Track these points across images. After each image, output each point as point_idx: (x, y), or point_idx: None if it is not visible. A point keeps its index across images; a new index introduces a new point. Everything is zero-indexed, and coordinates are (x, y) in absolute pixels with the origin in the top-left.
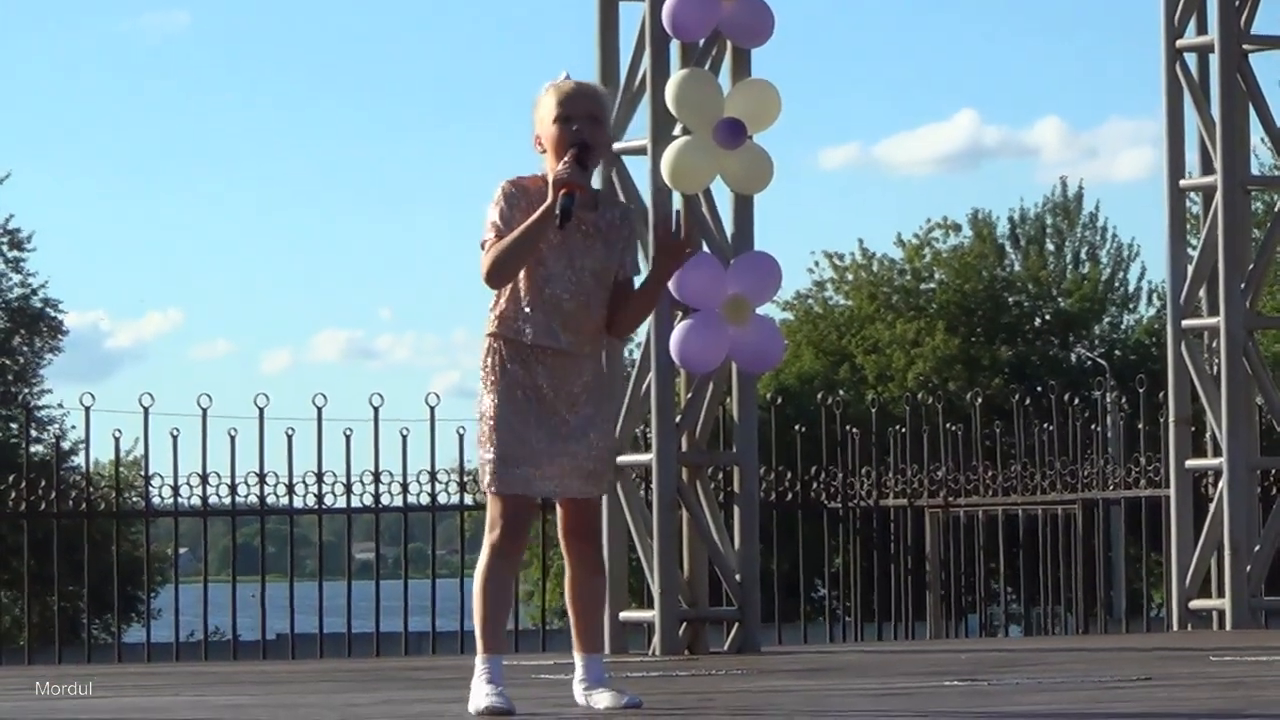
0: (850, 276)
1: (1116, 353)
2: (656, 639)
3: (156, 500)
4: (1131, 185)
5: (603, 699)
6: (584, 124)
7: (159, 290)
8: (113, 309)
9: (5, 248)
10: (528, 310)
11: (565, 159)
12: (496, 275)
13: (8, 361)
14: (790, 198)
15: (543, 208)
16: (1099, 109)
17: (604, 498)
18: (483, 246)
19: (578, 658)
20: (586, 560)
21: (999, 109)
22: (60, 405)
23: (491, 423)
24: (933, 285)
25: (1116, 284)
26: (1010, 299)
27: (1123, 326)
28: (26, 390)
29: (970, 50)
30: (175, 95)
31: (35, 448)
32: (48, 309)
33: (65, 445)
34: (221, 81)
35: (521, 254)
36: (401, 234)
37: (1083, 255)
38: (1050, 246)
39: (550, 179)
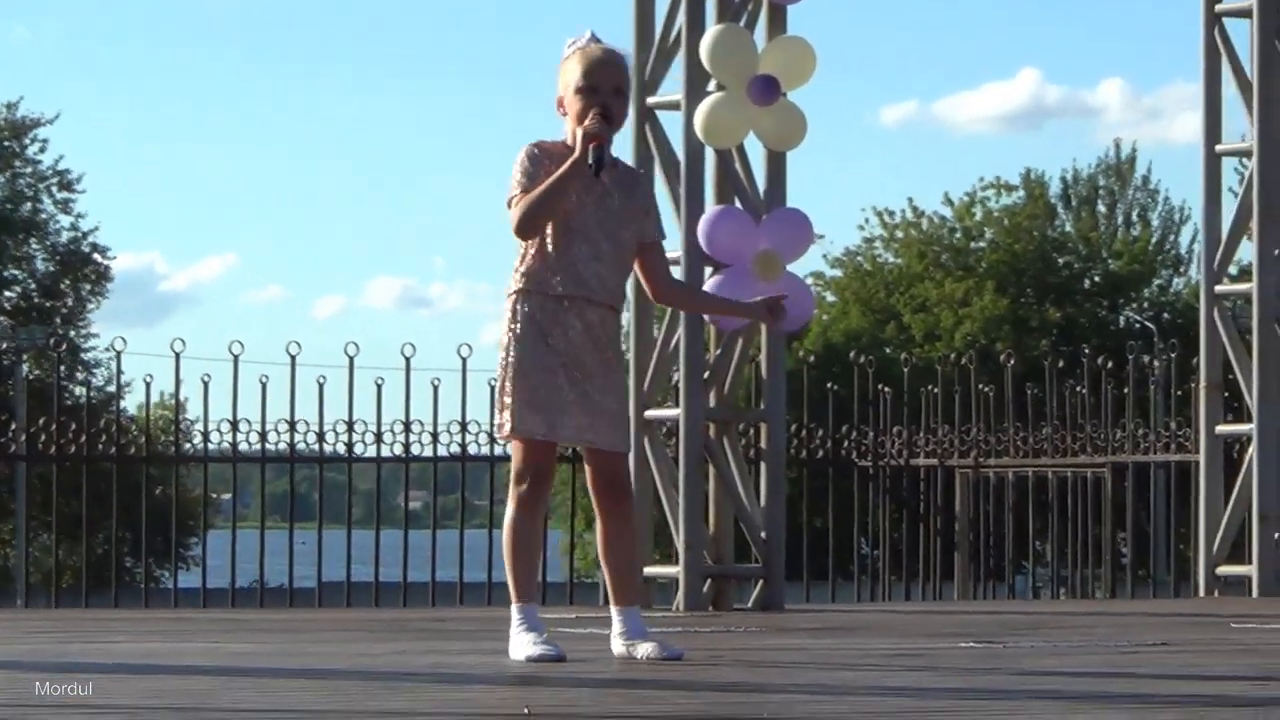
0: (900, 234)
1: (1165, 316)
2: (681, 594)
3: (188, 446)
4: (1190, 148)
5: (645, 649)
6: (608, 97)
7: (215, 234)
8: (168, 252)
9: (54, 189)
10: (556, 263)
11: (591, 115)
12: (527, 225)
13: (56, 304)
14: (850, 155)
15: (570, 160)
16: (1162, 71)
17: (630, 455)
18: (509, 204)
19: (614, 611)
20: (617, 514)
21: (1062, 69)
22: (108, 349)
23: (515, 369)
24: (983, 244)
25: (1167, 247)
26: (1060, 260)
27: (1172, 289)
28: (74, 334)
29: (1035, 8)
30: (233, 37)
31: (81, 391)
32: (95, 254)
33: (109, 390)
34: (279, 24)
35: (551, 205)
36: (457, 183)
37: (1134, 217)
38: (1102, 208)
39: (579, 136)
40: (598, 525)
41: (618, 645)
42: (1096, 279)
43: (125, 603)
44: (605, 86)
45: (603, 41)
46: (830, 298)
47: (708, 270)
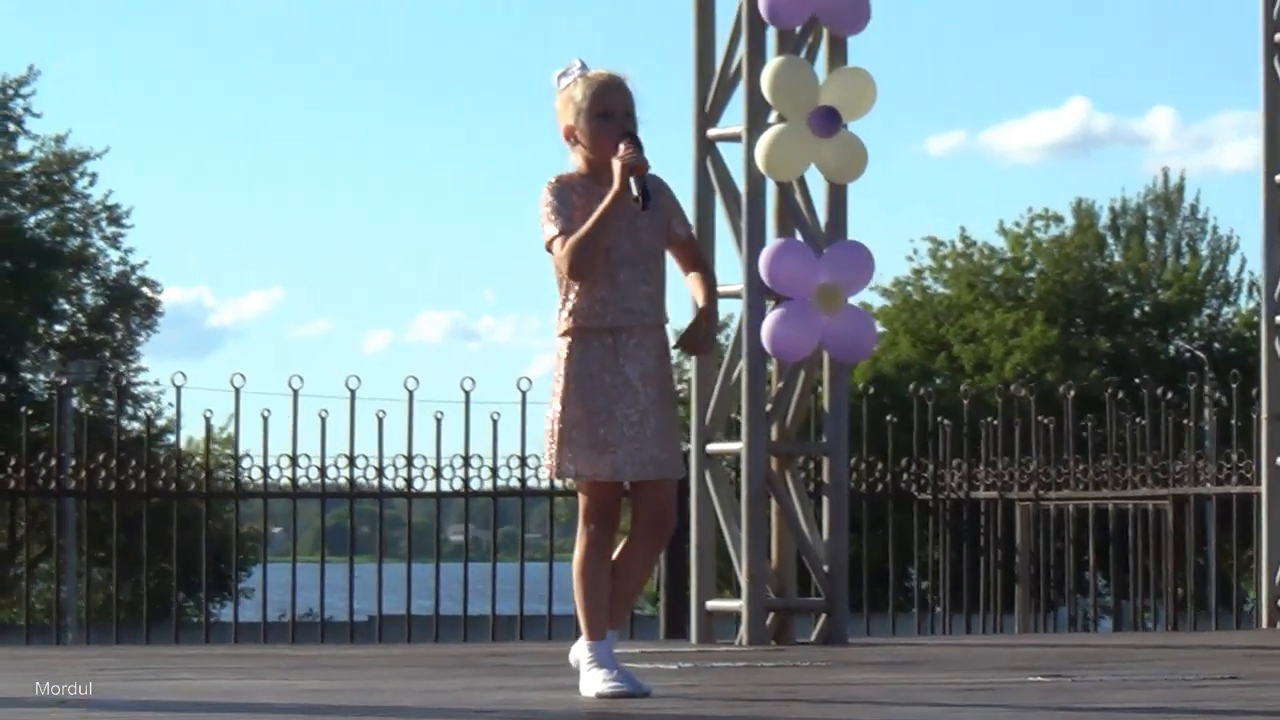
0: (949, 265)
1: (1216, 345)
2: (744, 629)
3: (246, 481)
4: (1240, 176)
5: (603, 684)
6: (623, 120)
7: (262, 268)
8: (216, 286)
9: (104, 224)
10: (606, 296)
11: (624, 145)
12: (583, 266)
13: (105, 337)
14: (896, 185)
15: (611, 194)
16: (1211, 99)
17: (679, 485)
18: (549, 247)
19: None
20: (655, 544)
21: (1111, 97)
22: (157, 383)
23: (574, 412)
24: (1032, 275)
25: (1216, 275)
26: (1110, 290)
27: (1222, 319)
28: (123, 368)
29: (1083, 37)
30: (279, 72)
31: (132, 425)
32: (144, 288)
33: (160, 423)
34: (324, 60)
35: (600, 241)
36: (506, 216)
37: (1183, 246)
38: (1151, 238)
39: (615, 167)
40: (626, 546)
41: (577, 658)
42: (1146, 309)
43: (180, 638)
44: (618, 110)
45: (591, 69)
46: (880, 328)
47: (769, 304)
